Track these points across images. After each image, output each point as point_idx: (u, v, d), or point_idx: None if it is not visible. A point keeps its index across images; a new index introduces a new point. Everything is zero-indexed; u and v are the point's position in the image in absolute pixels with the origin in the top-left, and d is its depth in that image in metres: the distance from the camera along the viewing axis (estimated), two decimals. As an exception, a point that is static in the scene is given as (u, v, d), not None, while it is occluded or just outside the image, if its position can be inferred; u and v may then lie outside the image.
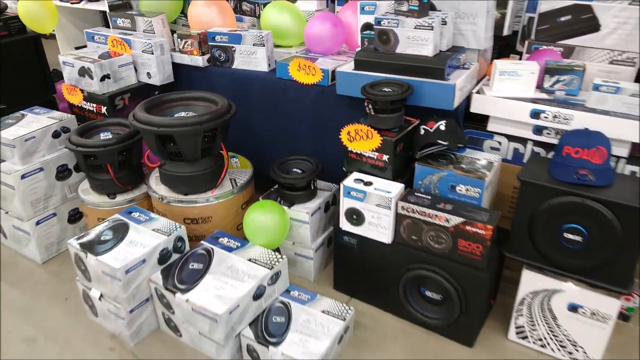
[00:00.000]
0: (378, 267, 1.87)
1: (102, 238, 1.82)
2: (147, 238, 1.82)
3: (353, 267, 1.95)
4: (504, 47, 2.25)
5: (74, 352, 1.83)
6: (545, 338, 1.74)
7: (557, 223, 1.58)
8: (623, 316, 1.91)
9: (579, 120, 1.72)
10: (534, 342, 1.77)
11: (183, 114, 2.02)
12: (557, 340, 1.72)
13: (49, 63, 2.92)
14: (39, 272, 2.24)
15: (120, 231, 1.86)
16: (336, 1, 2.56)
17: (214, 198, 2.04)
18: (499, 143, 1.95)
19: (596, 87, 1.72)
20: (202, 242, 1.93)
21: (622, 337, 1.82)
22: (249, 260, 1.83)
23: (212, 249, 1.89)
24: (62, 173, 2.26)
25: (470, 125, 1.98)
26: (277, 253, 1.87)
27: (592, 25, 1.90)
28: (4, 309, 2.03)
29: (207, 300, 1.67)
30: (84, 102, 2.42)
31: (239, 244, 1.92)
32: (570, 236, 1.57)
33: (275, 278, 1.82)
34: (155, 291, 1.79)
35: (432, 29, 1.77)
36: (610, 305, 1.58)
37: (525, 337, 1.79)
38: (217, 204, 2.05)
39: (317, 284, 2.11)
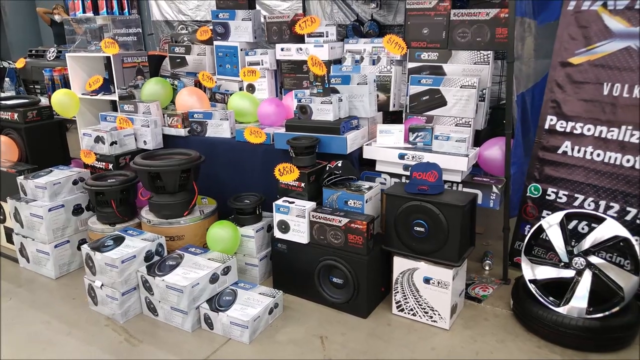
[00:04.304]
0: (301, 263, 2.64)
1: (105, 244, 2.61)
2: (137, 243, 2.61)
3: (285, 267, 2.72)
4: (394, 119, 3.22)
5: (79, 328, 2.53)
6: (414, 308, 2.49)
7: (409, 220, 2.41)
8: (478, 300, 2.67)
9: (428, 159, 2.62)
10: (408, 312, 2.51)
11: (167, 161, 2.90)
12: (421, 308, 2.47)
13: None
14: (53, 283, 2.97)
15: (118, 240, 2.65)
16: (283, 91, 3.58)
17: (186, 221, 2.85)
18: (385, 179, 2.84)
19: (436, 137, 2.66)
20: (176, 250, 2.72)
21: (474, 312, 2.57)
22: (209, 259, 2.61)
23: (183, 254, 2.67)
24: (77, 210, 3.08)
25: (366, 168, 2.87)
26: (229, 255, 2.66)
27: (441, 101, 2.88)
28: (27, 306, 2.73)
29: (177, 279, 2.43)
30: (96, 162, 3.31)
31: (203, 251, 2.71)
32: (418, 229, 2.39)
33: (226, 270, 2.59)
34: (141, 278, 2.54)
35: (331, 103, 2.74)
36: (447, 275, 2.36)
37: (402, 310, 2.53)
38: (189, 226, 2.86)
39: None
